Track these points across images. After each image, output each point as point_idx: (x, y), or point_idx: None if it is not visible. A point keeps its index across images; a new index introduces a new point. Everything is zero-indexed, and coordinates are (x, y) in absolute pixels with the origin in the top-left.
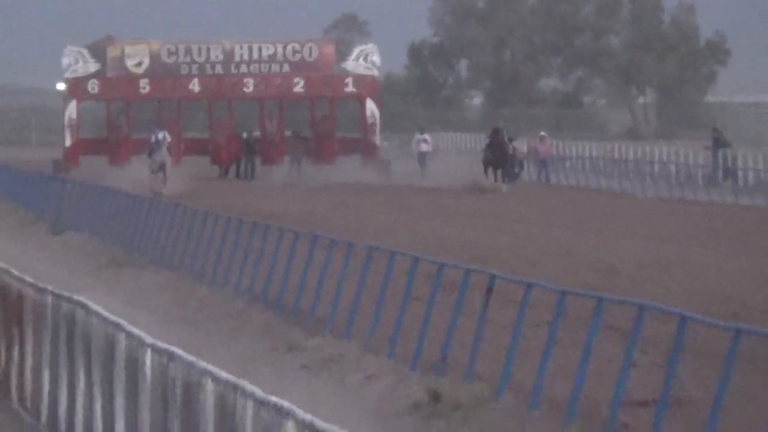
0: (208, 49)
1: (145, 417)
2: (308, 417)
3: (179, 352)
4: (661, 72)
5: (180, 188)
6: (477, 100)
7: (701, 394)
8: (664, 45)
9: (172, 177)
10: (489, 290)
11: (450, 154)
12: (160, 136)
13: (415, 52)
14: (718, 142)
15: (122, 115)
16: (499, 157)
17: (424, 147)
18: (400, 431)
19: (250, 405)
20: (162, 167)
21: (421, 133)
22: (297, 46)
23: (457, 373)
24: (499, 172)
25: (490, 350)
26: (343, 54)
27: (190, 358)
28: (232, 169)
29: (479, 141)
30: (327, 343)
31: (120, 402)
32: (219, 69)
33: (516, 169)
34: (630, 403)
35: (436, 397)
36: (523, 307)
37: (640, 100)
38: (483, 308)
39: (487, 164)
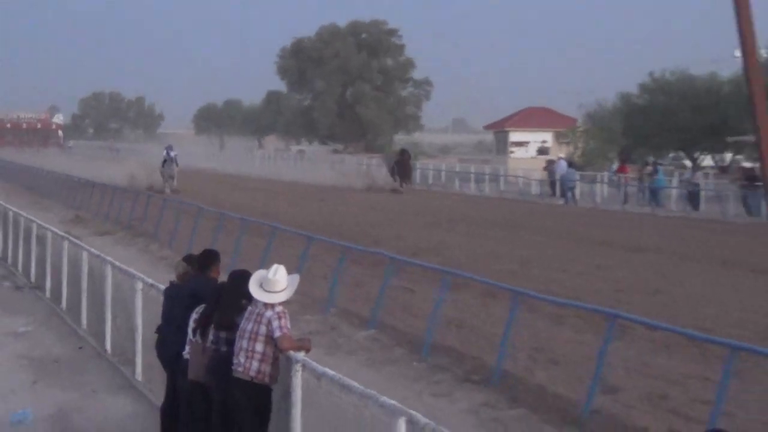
0: (16, 113)
1: (30, 249)
2: (95, 251)
3: (38, 220)
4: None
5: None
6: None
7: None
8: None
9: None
10: (151, 188)
11: (130, 153)
12: (172, 154)
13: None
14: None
15: None
16: (404, 169)
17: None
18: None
19: (66, 244)
20: (171, 177)
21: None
22: (41, 114)
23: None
24: (402, 179)
25: (113, 211)
26: (53, 115)
27: (43, 223)
28: None
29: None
30: (99, 224)
31: (19, 243)
32: (18, 120)
33: None
34: None
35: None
36: (165, 205)
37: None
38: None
39: (393, 174)
